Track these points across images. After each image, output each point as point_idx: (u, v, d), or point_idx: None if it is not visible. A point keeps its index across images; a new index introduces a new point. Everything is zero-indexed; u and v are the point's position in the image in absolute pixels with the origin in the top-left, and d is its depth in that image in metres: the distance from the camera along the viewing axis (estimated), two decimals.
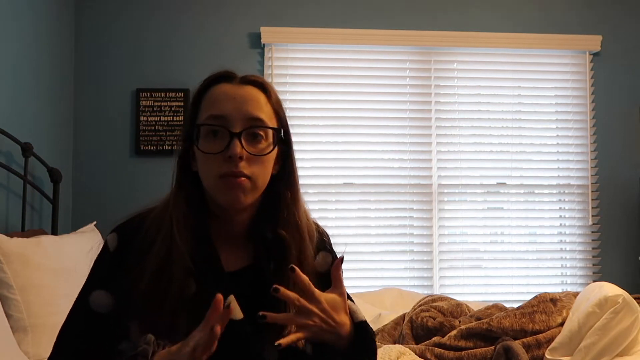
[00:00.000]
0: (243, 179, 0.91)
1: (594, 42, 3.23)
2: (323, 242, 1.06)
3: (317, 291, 0.88)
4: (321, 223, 1.10)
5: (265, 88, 0.98)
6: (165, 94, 3.02)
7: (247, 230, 1.00)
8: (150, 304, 0.88)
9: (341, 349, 0.91)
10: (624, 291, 1.88)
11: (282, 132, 0.99)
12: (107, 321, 0.93)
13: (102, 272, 0.97)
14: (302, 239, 0.98)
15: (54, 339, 1.87)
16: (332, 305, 0.89)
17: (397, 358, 1.74)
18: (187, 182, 0.97)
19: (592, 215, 3.23)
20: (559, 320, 2.01)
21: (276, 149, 0.97)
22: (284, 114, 1.00)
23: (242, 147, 0.91)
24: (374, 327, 2.16)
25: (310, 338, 0.89)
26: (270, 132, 0.96)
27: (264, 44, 3.07)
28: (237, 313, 0.84)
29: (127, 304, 0.91)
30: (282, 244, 0.97)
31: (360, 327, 0.94)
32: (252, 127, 0.93)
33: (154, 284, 0.89)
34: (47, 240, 2.06)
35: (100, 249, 0.99)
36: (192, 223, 0.94)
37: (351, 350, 0.91)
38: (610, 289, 1.88)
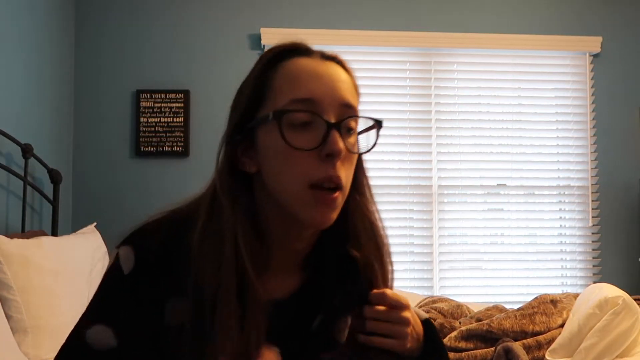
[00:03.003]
0: (337, 194, 0.70)
1: (594, 43, 3.23)
2: None
3: (401, 296, 0.76)
4: None
5: (346, 68, 0.77)
6: (166, 95, 3.02)
7: (306, 254, 0.79)
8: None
9: (414, 355, 0.79)
10: (624, 292, 1.88)
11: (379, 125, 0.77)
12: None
13: (108, 302, 0.75)
14: (381, 257, 0.79)
15: (54, 340, 1.85)
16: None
17: None
18: (243, 193, 0.73)
19: (592, 217, 3.23)
20: (559, 321, 2.01)
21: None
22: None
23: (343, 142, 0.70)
24: None
25: (402, 351, 0.76)
26: (358, 125, 0.75)
27: (264, 45, 3.07)
28: None
29: (137, 350, 0.72)
30: (358, 268, 0.77)
31: (428, 325, 0.83)
32: (349, 117, 0.72)
33: (230, 335, 0.67)
34: (47, 241, 2.06)
35: (110, 265, 0.76)
36: (263, 253, 0.72)
37: (424, 352, 0.80)
38: (610, 291, 1.88)
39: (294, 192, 0.70)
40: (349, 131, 0.73)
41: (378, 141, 0.75)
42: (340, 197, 0.71)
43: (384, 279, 0.79)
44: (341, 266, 0.77)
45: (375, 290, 0.75)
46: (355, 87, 0.77)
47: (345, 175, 0.71)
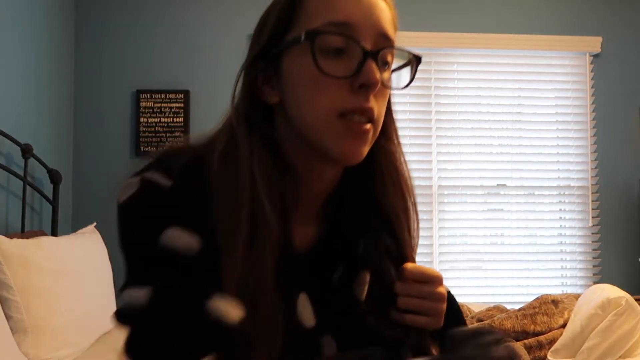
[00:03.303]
0: (369, 126, 0.64)
1: (594, 43, 3.23)
2: None
3: (434, 270, 0.72)
4: None
5: (390, 4, 0.71)
6: (166, 95, 3.02)
7: (329, 195, 0.71)
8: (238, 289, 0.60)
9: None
10: (627, 293, 1.88)
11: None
12: (196, 266, 0.60)
13: (160, 215, 0.62)
14: (407, 206, 0.72)
15: (54, 340, 1.84)
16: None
17: None
18: (261, 122, 0.67)
19: (592, 217, 3.23)
20: (561, 321, 2.01)
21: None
22: None
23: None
24: None
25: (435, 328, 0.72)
26: (393, 61, 0.68)
27: None
28: (308, 316, 0.65)
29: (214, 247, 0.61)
30: (382, 217, 0.71)
31: (448, 294, 0.76)
32: (387, 47, 0.65)
33: (242, 263, 0.61)
34: (47, 241, 2.06)
35: (135, 191, 0.64)
36: (279, 183, 0.65)
37: (446, 322, 0.74)
38: (612, 291, 1.88)
39: (322, 122, 0.63)
40: (384, 64, 0.66)
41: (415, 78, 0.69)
42: (371, 132, 0.65)
43: (409, 230, 0.73)
44: (363, 214, 0.71)
45: (407, 265, 0.70)
46: (394, 20, 0.70)
47: (378, 110, 0.65)
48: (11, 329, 1.75)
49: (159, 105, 3.01)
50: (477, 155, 3.22)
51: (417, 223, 0.74)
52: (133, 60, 3.05)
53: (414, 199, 0.73)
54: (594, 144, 3.25)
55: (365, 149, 0.65)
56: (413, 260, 0.74)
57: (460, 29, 3.19)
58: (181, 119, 3.01)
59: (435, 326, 0.71)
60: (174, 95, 3.02)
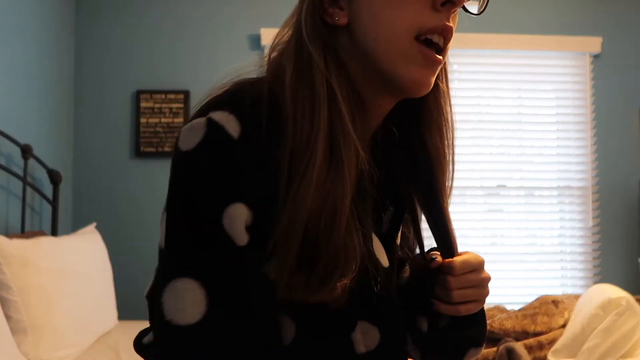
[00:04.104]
0: (441, 58, 0.61)
1: (594, 43, 3.23)
2: None
3: (476, 256, 0.70)
4: None
5: None
6: (166, 96, 3.02)
7: (375, 132, 0.68)
8: (315, 221, 0.56)
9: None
10: (627, 293, 1.88)
11: None
12: (252, 253, 0.56)
13: (229, 175, 0.54)
14: (446, 154, 0.70)
15: (54, 340, 1.84)
16: None
17: None
18: (333, 42, 0.62)
19: (592, 217, 3.23)
20: (561, 322, 2.01)
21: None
22: None
23: None
24: None
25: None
26: None
27: (264, 46, 3.07)
28: (382, 257, 0.66)
29: (272, 223, 0.56)
30: (424, 160, 0.69)
31: None
32: None
33: (320, 194, 0.55)
34: (47, 241, 2.05)
35: (202, 140, 0.55)
36: (361, 107, 0.61)
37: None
38: (613, 292, 1.88)
39: (397, 44, 0.58)
40: None
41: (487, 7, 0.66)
42: (440, 64, 0.62)
43: (444, 176, 0.70)
44: (408, 152, 0.69)
45: (455, 260, 0.68)
46: None
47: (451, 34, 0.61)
48: (11, 329, 1.75)
49: (159, 105, 3.01)
50: (477, 156, 3.21)
51: (453, 172, 0.71)
52: (133, 61, 3.05)
53: (453, 147, 0.71)
54: (594, 144, 3.25)
55: (433, 80, 0.62)
56: (446, 209, 0.71)
57: (461, 29, 3.17)
58: (181, 120, 3.01)
59: (478, 308, 0.71)
60: (174, 95, 3.02)
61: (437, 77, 0.67)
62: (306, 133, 0.56)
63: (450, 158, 0.70)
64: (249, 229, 0.55)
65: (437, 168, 0.69)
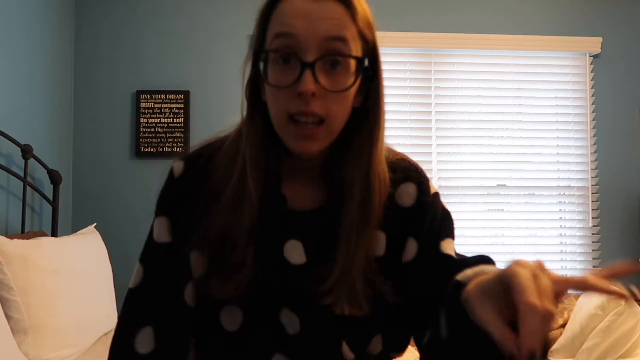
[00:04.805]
0: (312, 128, 0.73)
1: (594, 44, 3.24)
2: (408, 172, 0.91)
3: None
4: None
5: (349, 3, 0.73)
6: (166, 96, 3.02)
7: (322, 170, 0.83)
8: (219, 240, 0.77)
9: None
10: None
11: (366, 60, 0.76)
12: (168, 252, 0.81)
13: (162, 200, 0.84)
14: (368, 187, 0.79)
15: (54, 341, 1.85)
16: None
17: None
18: (257, 114, 0.80)
19: (592, 217, 3.23)
20: (560, 321, 2.01)
21: (359, 79, 0.75)
22: (373, 36, 0.77)
23: (316, 80, 0.70)
24: None
25: None
26: (357, 51, 0.74)
27: None
28: (297, 256, 0.78)
29: (188, 234, 0.80)
30: (345, 190, 0.79)
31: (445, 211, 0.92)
32: (329, 55, 0.71)
33: (224, 220, 0.77)
34: (47, 241, 2.06)
35: (165, 179, 0.86)
36: (265, 160, 0.79)
37: None
38: None
39: (278, 123, 0.75)
40: (334, 66, 0.72)
41: (355, 82, 0.74)
42: (323, 130, 0.74)
43: (365, 208, 0.79)
44: (340, 189, 0.81)
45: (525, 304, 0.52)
46: (355, 22, 0.73)
47: (332, 110, 0.73)
48: (11, 329, 1.75)
49: (159, 105, 3.01)
50: (477, 156, 3.22)
51: (378, 207, 0.79)
52: (133, 61, 3.05)
53: (385, 182, 0.82)
54: (594, 144, 3.25)
55: (317, 145, 0.75)
56: (359, 240, 0.78)
57: (461, 29, 3.19)
58: (181, 120, 3.01)
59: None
60: (173, 95, 3.02)
61: (365, 122, 0.79)
62: (223, 181, 0.79)
63: (378, 189, 0.80)
64: (170, 233, 0.81)
65: (356, 198, 0.78)
